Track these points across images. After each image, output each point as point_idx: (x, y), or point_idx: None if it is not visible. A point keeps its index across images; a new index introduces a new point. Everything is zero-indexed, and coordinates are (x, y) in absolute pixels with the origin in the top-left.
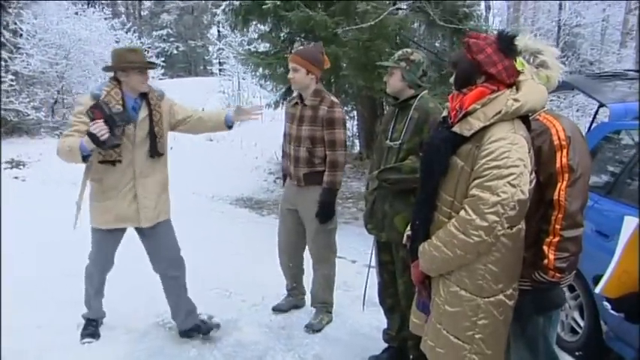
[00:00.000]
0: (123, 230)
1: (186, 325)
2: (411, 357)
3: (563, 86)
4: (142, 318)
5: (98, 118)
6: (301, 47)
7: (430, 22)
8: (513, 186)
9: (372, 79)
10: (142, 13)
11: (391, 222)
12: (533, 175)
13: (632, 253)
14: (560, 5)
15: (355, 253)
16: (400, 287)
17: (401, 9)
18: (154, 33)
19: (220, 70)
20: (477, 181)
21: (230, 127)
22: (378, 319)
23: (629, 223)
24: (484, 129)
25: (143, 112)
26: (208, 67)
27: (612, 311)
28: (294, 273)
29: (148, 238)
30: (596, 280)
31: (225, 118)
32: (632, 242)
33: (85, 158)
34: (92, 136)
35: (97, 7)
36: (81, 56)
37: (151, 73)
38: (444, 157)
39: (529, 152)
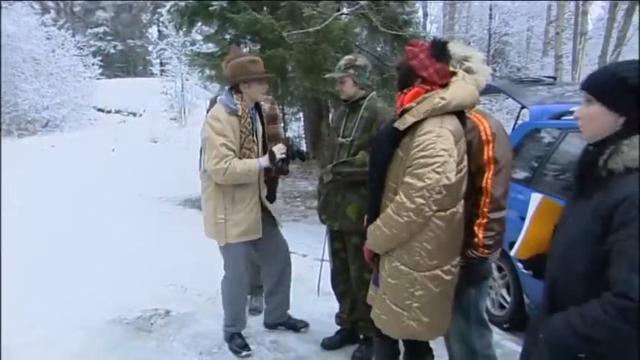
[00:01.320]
0: (250, 243)
1: (273, 319)
2: (361, 336)
3: (491, 89)
4: (96, 315)
5: (285, 145)
6: (237, 52)
7: (372, 28)
8: (438, 173)
9: (318, 81)
10: (74, 9)
11: (344, 212)
12: (464, 164)
13: (538, 222)
14: (491, 15)
15: (305, 248)
16: (352, 272)
17: (344, 14)
18: (89, 30)
19: (162, 70)
20: (408, 170)
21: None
22: (329, 307)
23: (535, 199)
24: (417, 124)
25: (259, 124)
26: (148, 68)
27: (524, 270)
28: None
29: (265, 245)
30: (511, 245)
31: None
32: (538, 213)
33: None
34: (272, 155)
35: (24, 0)
36: (8, 53)
37: (87, 73)
38: (386, 149)
39: (457, 144)
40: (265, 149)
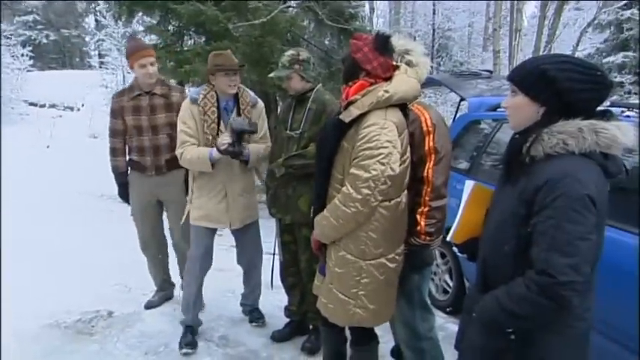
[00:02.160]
0: (214, 231)
1: (244, 309)
2: (311, 327)
3: (432, 82)
4: (31, 320)
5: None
6: (134, 41)
7: (319, 21)
8: (383, 164)
9: (265, 74)
10: None
11: (295, 204)
12: (407, 155)
13: (471, 208)
14: (434, 10)
15: None
16: (302, 264)
17: (291, 7)
18: (17, 18)
19: (101, 62)
20: (354, 161)
21: None
22: (279, 300)
23: (468, 185)
24: (362, 116)
25: (234, 115)
26: (86, 60)
27: (459, 254)
28: (164, 264)
29: (239, 236)
30: (447, 230)
31: None
32: (471, 199)
33: (213, 165)
34: (216, 145)
35: None
36: None
37: (16, 64)
38: (332, 141)
39: (400, 135)
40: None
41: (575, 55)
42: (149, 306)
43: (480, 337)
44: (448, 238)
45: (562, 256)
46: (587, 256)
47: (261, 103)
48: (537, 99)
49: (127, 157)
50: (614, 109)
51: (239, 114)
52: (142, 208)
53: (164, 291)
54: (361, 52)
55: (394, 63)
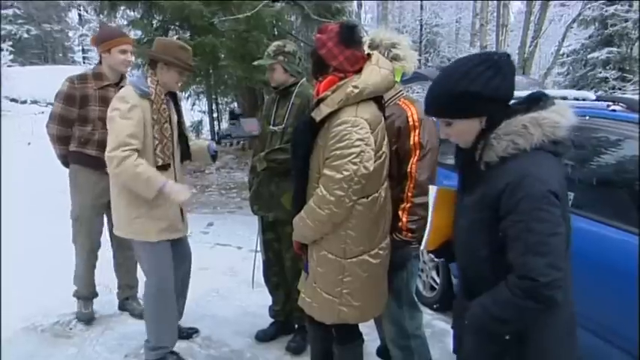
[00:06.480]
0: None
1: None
2: (296, 326)
3: (419, 77)
4: (6, 323)
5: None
6: (112, 28)
7: (305, 16)
8: (355, 164)
9: (251, 70)
10: None
11: (278, 201)
12: (384, 150)
13: (439, 213)
14: (421, 6)
15: (240, 240)
16: (287, 263)
17: (276, 1)
18: None
19: (85, 58)
20: (326, 162)
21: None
22: (263, 299)
23: (432, 191)
24: (333, 113)
25: (174, 114)
26: (69, 55)
27: (436, 259)
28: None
29: (179, 245)
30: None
31: (207, 146)
32: (438, 204)
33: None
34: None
35: None
36: None
37: None
38: (304, 139)
39: (374, 131)
40: (185, 143)
41: (561, 51)
42: (84, 319)
43: (476, 344)
44: (422, 248)
45: (538, 257)
46: (561, 250)
47: None
48: (476, 114)
49: (70, 149)
50: (600, 104)
51: (179, 112)
52: (95, 210)
53: (93, 298)
54: (325, 47)
55: (365, 53)
